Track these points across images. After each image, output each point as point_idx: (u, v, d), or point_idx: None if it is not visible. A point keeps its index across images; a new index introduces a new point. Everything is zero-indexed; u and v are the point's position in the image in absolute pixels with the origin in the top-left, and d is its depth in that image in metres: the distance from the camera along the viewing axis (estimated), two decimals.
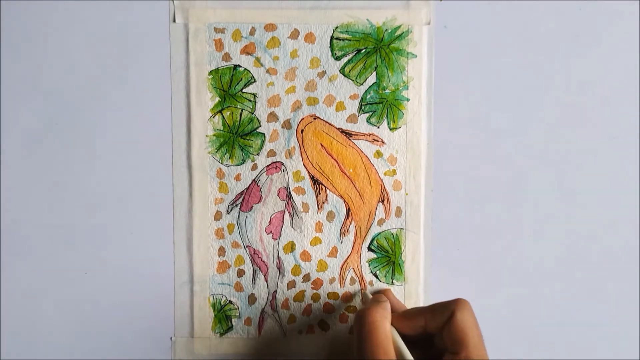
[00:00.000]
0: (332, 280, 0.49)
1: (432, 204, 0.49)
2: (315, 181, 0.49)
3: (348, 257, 0.49)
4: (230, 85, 0.48)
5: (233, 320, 0.49)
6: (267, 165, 0.48)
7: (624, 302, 0.50)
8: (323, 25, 0.47)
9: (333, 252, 0.49)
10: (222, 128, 0.48)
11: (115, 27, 0.47)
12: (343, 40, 0.47)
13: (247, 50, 0.48)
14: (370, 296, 0.47)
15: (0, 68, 0.48)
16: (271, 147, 0.48)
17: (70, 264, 0.49)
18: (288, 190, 0.49)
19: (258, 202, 0.49)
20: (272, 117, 0.48)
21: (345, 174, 0.48)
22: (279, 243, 0.49)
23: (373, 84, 0.48)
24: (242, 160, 0.48)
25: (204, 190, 0.48)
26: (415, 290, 0.49)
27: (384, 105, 0.48)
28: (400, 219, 0.49)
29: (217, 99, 0.48)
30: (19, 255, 0.49)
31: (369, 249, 0.49)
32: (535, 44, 0.48)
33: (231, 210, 0.49)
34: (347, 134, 0.48)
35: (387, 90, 0.48)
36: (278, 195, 0.48)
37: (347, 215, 0.49)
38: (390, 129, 0.48)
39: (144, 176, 0.48)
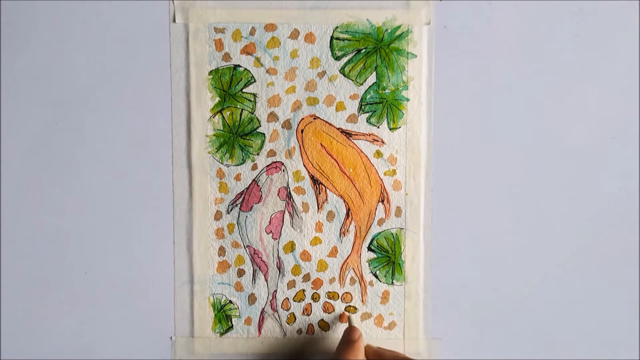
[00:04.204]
0: (332, 280, 0.49)
1: (432, 204, 0.49)
2: (315, 181, 0.49)
3: (348, 257, 0.49)
4: (230, 85, 0.48)
5: (233, 320, 0.49)
6: (267, 165, 0.48)
7: (624, 302, 0.50)
8: (323, 25, 0.47)
9: (333, 252, 0.49)
10: (222, 128, 0.48)
11: (115, 27, 0.47)
12: (343, 40, 0.47)
13: (247, 50, 0.48)
14: (355, 322, 0.48)
15: (0, 68, 0.48)
16: (271, 147, 0.48)
17: (70, 264, 0.49)
18: (288, 190, 0.49)
19: (258, 202, 0.49)
20: (272, 117, 0.48)
21: (345, 174, 0.48)
22: (279, 243, 0.49)
23: (373, 84, 0.48)
24: (242, 160, 0.48)
25: (204, 190, 0.48)
26: (415, 290, 0.49)
27: (384, 105, 0.48)
28: (400, 219, 0.49)
29: (217, 99, 0.48)
30: (19, 255, 0.49)
31: (369, 248, 0.49)
32: (535, 44, 0.48)
33: (231, 210, 0.49)
34: (347, 134, 0.48)
35: (387, 90, 0.48)
36: (278, 195, 0.48)
37: (347, 215, 0.49)
38: (390, 129, 0.48)
39: (144, 176, 0.48)
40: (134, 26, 0.47)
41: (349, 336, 0.45)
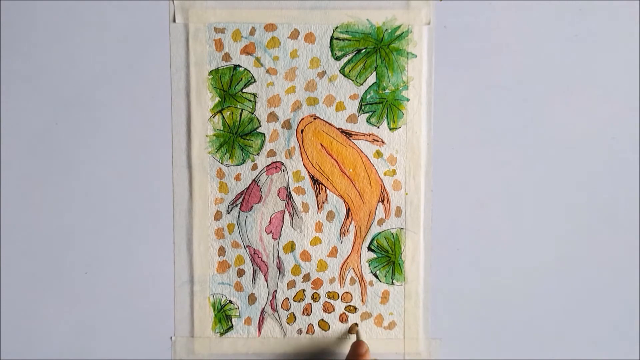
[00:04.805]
0: (332, 280, 0.49)
1: (432, 204, 0.49)
2: (315, 181, 0.49)
3: (348, 257, 0.49)
4: (230, 85, 0.48)
5: (233, 320, 0.49)
6: (267, 165, 0.48)
7: (624, 302, 0.50)
8: (323, 25, 0.47)
9: (333, 252, 0.49)
10: (222, 128, 0.48)
11: (115, 27, 0.47)
12: (343, 40, 0.47)
13: (247, 50, 0.48)
14: (363, 335, 0.47)
15: (0, 68, 0.48)
16: (271, 147, 0.48)
17: (70, 264, 0.49)
18: (288, 190, 0.49)
19: (258, 202, 0.49)
20: (272, 117, 0.48)
21: (345, 174, 0.48)
22: (279, 243, 0.49)
23: (373, 84, 0.48)
24: (242, 160, 0.48)
25: (204, 190, 0.48)
26: (415, 290, 0.49)
27: (384, 105, 0.48)
28: (400, 219, 0.49)
29: (217, 99, 0.48)
30: (19, 255, 0.49)
31: (369, 248, 0.49)
32: (535, 44, 0.48)
33: (231, 210, 0.49)
34: (347, 134, 0.48)
35: (387, 90, 0.48)
36: (278, 195, 0.48)
37: (347, 215, 0.49)
38: (390, 129, 0.48)
39: (144, 176, 0.48)
40: (134, 26, 0.47)
41: (357, 350, 0.45)
